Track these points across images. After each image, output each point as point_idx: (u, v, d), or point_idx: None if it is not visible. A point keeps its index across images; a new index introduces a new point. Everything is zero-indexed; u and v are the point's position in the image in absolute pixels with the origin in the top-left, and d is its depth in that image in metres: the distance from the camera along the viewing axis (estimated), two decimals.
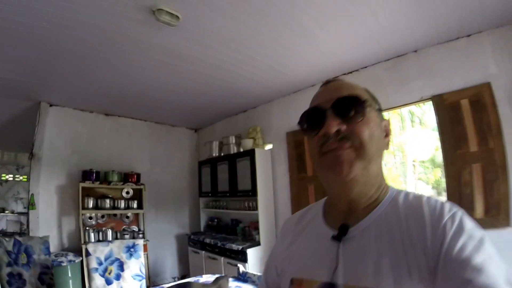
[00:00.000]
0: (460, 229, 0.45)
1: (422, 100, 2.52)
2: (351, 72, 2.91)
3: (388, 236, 0.49)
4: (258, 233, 3.18)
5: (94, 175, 3.59)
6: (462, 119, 2.23)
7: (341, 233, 0.53)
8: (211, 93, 3.27)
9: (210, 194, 3.93)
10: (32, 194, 3.60)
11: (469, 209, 2.13)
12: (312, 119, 0.55)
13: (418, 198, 0.52)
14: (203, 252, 3.58)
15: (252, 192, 3.22)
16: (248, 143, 3.40)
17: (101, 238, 3.51)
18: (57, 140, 3.65)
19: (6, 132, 4.47)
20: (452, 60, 2.34)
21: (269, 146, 3.51)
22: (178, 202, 4.61)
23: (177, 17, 1.89)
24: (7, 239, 2.28)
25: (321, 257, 0.55)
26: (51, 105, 3.68)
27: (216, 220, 4.02)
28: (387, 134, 0.57)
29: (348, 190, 0.54)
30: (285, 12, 1.95)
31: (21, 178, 7.87)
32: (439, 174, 5.43)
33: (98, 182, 3.59)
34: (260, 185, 3.19)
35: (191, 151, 4.96)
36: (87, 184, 3.52)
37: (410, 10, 1.94)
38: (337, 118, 0.52)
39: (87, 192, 3.56)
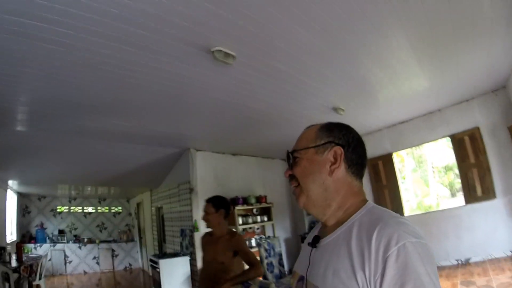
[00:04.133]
0: (402, 266, 0.59)
1: (444, 137, 5.39)
2: (402, 123, 5.71)
3: (337, 253, 0.72)
4: None
5: (241, 200, 5.23)
6: (465, 146, 5.10)
7: (313, 242, 0.82)
8: (297, 128, 5.35)
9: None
10: (196, 220, 5.01)
11: (473, 192, 4.99)
12: None
13: (373, 225, 0.67)
14: None
15: None
16: None
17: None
18: (205, 176, 5.67)
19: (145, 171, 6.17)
20: (459, 114, 5.15)
21: None
22: (283, 213, 6.53)
23: None
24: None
25: (304, 257, 0.86)
26: (197, 150, 5.70)
27: (315, 222, 6.06)
28: (334, 161, 0.79)
29: (309, 212, 0.85)
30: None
31: (102, 209, 9.81)
32: (452, 177, 8.00)
33: (245, 205, 5.26)
34: None
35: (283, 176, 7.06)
36: (237, 207, 5.63)
37: (433, 84, 4.17)
38: (289, 166, 0.87)
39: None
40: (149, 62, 2.61)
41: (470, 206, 5.01)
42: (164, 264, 4.81)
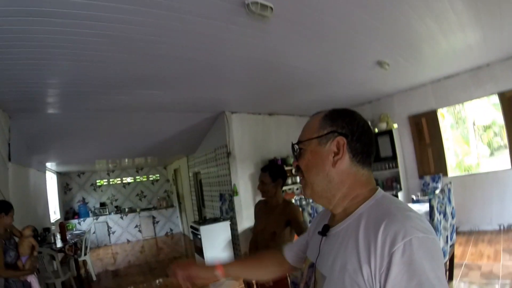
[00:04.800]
0: (408, 262, 0.58)
1: (492, 94, 4.92)
2: (448, 78, 5.29)
3: (345, 244, 0.72)
4: (399, 182, 5.62)
5: (280, 161, 5.17)
6: None
7: (323, 231, 0.83)
8: (339, 86, 4.94)
9: None
10: (235, 184, 5.02)
11: None
12: None
13: (380, 219, 0.66)
14: None
15: (393, 157, 5.25)
16: (383, 125, 5.51)
17: None
18: (242, 139, 5.60)
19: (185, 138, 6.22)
20: (510, 70, 4.65)
21: (395, 125, 5.55)
22: None
23: None
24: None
25: (314, 245, 0.87)
26: (232, 113, 5.52)
27: None
28: (337, 151, 0.78)
29: (316, 202, 0.86)
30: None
31: (141, 178, 10.18)
32: (491, 135, 7.69)
33: (284, 166, 5.20)
34: (398, 152, 5.57)
35: None
36: None
37: (488, 36, 3.76)
38: (294, 157, 0.88)
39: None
40: (178, 25, 2.42)
41: None
42: (205, 231, 4.89)
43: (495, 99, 5.10)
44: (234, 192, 5.21)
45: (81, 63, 2.82)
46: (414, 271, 0.57)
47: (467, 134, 8.33)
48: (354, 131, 0.79)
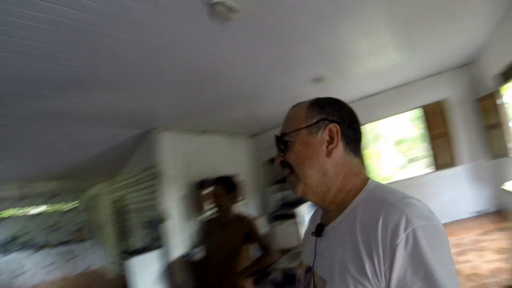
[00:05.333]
0: (412, 254, 0.55)
1: (414, 108, 5.58)
2: (376, 94, 5.80)
3: (343, 243, 0.66)
4: None
5: (209, 181, 5.03)
6: (433, 117, 5.36)
7: (317, 231, 0.76)
8: (274, 102, 4.86)
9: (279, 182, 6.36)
10: (165, 208, 4.70)
11: (440, 160, 5.30)
12: None
13: (378, 210, 0.62)
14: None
15: None
16: None
17: None
18: (172, 159, 5.13)
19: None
20: (430, 87, 5.37)
21: None
22: (254, 191, 6.76)
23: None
24: None
25: (309, 247, 0.80)
26: (162, 131, 5.05)
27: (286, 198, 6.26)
28: (331, 140, 0.73)
29: (308, 199, 0.76)
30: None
31: (56, 207, 8.65)
32: (405, 148, 8.79)
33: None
34: None
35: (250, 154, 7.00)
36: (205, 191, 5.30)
37: (412, 57, 4.30)
38: (279, 152, 0.79)
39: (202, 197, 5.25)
40: (125, 13, 2.00)
41: (436, 173, 5.32)
42: (133, 263, 4.29)
43: (413, 114, 5.85)
44: (164, 217, 4.77)
45: None
46: (420, 263, 0.54)
47: (381, 148, 9.30)
48: (344, 117, 0.75)
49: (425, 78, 5.42)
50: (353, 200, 0.70)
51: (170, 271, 4.64)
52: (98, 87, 3.09)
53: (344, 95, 5.36)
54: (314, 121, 0.74)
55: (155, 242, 4.91)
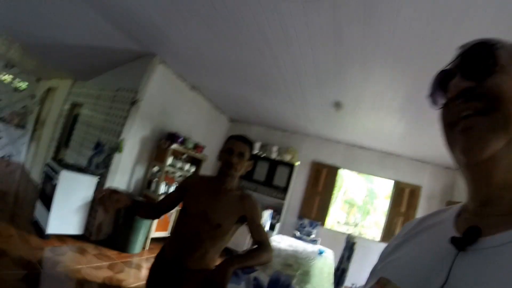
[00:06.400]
0: None
1: (390, 178, 5.74)
2: (362, 148, 5.91)
3: None
4: (280, 214, 5.84)
5: (182, 139, 5.00)
6: (403, 196, 5.51)
7: (465, 239, 0.41)
8: (283, 102, 4.72)
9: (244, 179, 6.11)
10: (123, 139, 4.36)
11: (391, 234, 5.43)
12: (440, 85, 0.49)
13: None
14: None
15: (285, 189, 5.51)
16: (288, 157, 6.05)
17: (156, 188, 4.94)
18: (155, 96, 4.71)
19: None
20: (411, 168, 5.56)
21: (297, 162, 5.86)
22: (208, 172, 6.18)
23: None
24: None
25: (427, 264, 0.44)
26: (161, 62, 4.58)
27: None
28: None
29: (483, 178, 0.43)
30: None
31: (5, 78, 7.63)
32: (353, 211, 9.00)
33: (182, 146, 5.11)
34: (290, 186, 5.87)
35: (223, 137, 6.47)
36: (174, 145, 4.93)
37: (408, 134, 4.54)
38: (469, 72, 0.44)
39: (163, 149, 4.93)
40: None
41: (382, 244, 5.38)
42: (65, 178, 3.78)
43: (386, 184, 6.01)
44: (119, 148, 4.38)
45: None
46: None
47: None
48: None
49: (414, 160, 5.60)
50: None
51: (94, 203, 4.22)
52: None
53: (334, 132, 5.57)
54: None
55: (97, 168, 4.49)
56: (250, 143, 1.57)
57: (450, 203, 4.08)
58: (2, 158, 7.28)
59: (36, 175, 6.07)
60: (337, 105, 4.01)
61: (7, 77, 7.54)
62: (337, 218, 8.52)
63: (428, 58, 2.35)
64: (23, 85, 7.87)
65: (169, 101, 5.00)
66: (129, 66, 4.87)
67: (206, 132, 6.17)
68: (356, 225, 8.70)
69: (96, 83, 5.65)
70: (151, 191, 4.75)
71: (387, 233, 5.48)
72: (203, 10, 2.72)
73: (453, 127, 0.45)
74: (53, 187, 3.74)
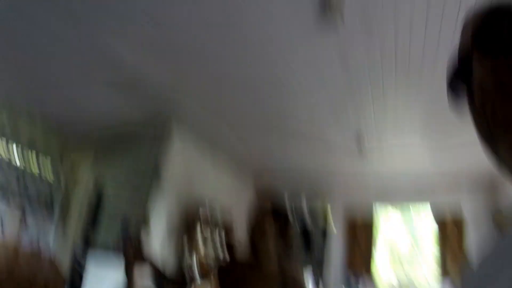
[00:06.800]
0: None
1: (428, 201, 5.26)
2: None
3: None
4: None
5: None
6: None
7: None
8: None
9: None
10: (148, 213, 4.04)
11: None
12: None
13: None
14: None
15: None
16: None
17: None
18: (178, 169, 4.26)
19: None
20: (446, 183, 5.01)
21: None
22: None
23: None
24: None
25: None
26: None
27: None
28: None
29: None
30: None
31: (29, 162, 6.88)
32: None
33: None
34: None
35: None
36: None
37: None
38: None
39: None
40: None
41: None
42: (95, 265, 3.70)
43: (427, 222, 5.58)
44: (147, 221, 4.14)
45: None
46: None
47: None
48: None
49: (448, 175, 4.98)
50: None
51: None
52: None
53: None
54: None
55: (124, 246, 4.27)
56: (285, 218, 1.47)
57: (498, 212, 3.33)
58: (32, 244, 7.07)
59: (64, 260, 5.86)
60: (359, 139, 3.83)
61: (32, 159, 7.15)
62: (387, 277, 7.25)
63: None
64: (47, 170, 7.75)
65: (192, 172, 4.52)
66: (148, 136, 4.53)
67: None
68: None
69: (117, 156, 5.54)
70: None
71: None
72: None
73: None
74: (80, 277, 3.67)
